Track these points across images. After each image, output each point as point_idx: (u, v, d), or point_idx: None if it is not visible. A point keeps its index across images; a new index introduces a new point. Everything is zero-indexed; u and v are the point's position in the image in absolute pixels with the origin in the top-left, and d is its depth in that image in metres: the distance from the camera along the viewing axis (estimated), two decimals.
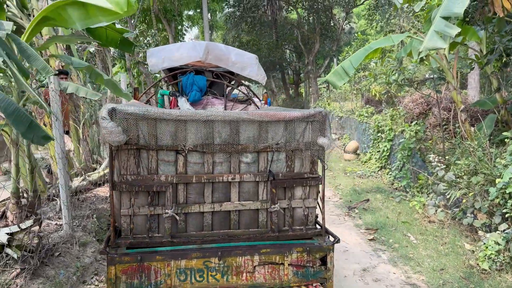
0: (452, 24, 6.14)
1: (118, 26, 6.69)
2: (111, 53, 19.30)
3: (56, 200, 6.50)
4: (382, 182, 9.45)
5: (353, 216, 7.29)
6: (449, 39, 7.04)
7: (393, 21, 22.92)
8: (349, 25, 39.43)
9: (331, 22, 26.83)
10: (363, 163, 11.62)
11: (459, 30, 5.97)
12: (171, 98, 5.59)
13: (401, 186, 8.68)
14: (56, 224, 5.63)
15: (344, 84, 8.70)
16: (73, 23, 5.11)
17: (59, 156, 5.19)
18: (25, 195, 6.60)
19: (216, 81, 5.27)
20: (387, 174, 9.88)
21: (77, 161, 9.17)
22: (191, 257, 3.19)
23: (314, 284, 3.43)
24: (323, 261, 3.41)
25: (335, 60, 28.65)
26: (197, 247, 3.29)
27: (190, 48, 5.20)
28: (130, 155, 3.15)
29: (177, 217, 3.26)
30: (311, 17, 26.75)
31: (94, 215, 6.12)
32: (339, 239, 3.49)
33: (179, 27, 22.30)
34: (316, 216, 3.75)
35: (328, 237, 3.54)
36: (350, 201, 8.13)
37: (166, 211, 3.22)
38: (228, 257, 3.25)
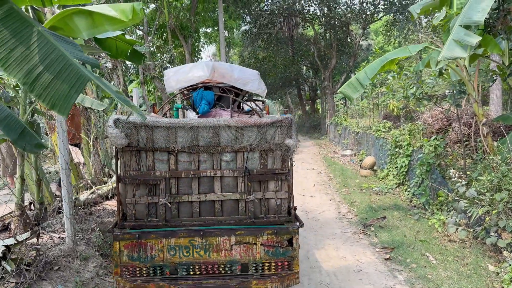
0: (472, 33, 5.87)
1: (128, 37, 6.61)
2: (128, 68, 19.49)
3: (62, 213, 6.37)
4: (400, 199, 9.08)
5: (368, 234, 6.95)
6: (469, 49, 6.75)
7: (411, 37, 22.67)
8: (367, 41, 39.25)
9: (348, 38, 26.67)
10: (380, 179, 11.25)
11: (479, 38, 5.70)
12: (184, 111, 6.14)
13: (419, 203, 8.31)
14: (59, 237, 5.47)
15: (358, 96, 8.46)
16: (79, 33, 5.03)
17: (62, 167, 5.06)
18: (32, 207, 6.51)
19: (223, 95, 6.00)
20: (405, 190, 9.51)
21: (87, 174, 9.09)
22: (179, 236, 3.95)
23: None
24: (290, 242, 4.02)
25: (352, 76, 28.49)
26: (184, 229, 4.02)
27: (199, 68, 5.96)
28: (132, 155, 3.99)
29: (169, 205, 4.04)
30: (328, 33, 26.65)
31: (99, 229, 5.95)
32: (303, 224, 4.13)
33: (196, 44, 22.45)
34: (295, 208, 4.45)
35: (298, 223, 4.14)
36: (366, 218, 7.79)
37: (160, 199, 4.01)
38: (209, 237, 3.97)
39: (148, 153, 4.01)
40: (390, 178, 10.68)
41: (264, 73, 29.56)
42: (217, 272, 4.01)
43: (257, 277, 4.03)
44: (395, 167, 10.63)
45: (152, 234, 3.93)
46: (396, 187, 10.07)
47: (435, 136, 8.71)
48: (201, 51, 22.37)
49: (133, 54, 6.93)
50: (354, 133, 16.79)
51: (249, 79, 6.29)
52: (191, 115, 5.98)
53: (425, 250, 5.97)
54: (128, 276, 3.94)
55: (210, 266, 4.01)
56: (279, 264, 4.03)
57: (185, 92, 6.59)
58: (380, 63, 7.33)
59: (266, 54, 29.45)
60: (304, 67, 33.39)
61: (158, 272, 3.98)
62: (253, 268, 4.03)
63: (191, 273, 4.00)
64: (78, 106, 8.78)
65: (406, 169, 9.91)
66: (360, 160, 14.66)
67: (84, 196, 7.34)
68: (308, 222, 7.79)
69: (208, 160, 4.07)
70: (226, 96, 6.17)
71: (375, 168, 12.31)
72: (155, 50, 20.21)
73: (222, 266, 4.01)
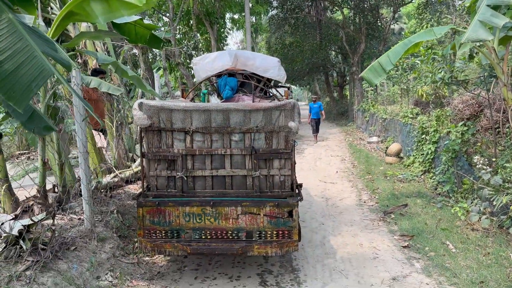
0: (499, 14, 5.58)
1: (146, 21, 6.64)
2: (155, 55, 19.68)
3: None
4: (425, 187, 8.85)
5: (388, 221, 6.82)
6: (498, 31, 6.43)
7: (444, 20, 21.82)
8: (398, 24, 38.11)
9: (378, 22, 25.95)
10: (406, 166, 10.99)
11: (506, 20, 5.41)
12: (208, 96, 6.88)
13: (444, 191, 8.07)
14: (79, 218, 5.61)
15: (380, 81, 8.24)
16: (96, 18, 5.09)
17: (80, 151, 5.17)
18: (56, 190, 6.71)
19: (245, 81, 6.63)
20: (431, 178, 9.26)
21: (112, 158, 9.29)
22: (193, 205, 4.62)
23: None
24: (291, 214, 4.59)
25: None
26: (197, 199, 4.67)
27: (222, 57, 6.70)
28: (154, 135, 4.64)
29: (185, 178, 4.68)
30: (357, 17, 26.01)
31: (118, 212, 6.08)
32: (302, 198, 4.78)
33: (222, 30, 22.38)
34: (300, 185, 5.59)
35: (299, 197, 4.73)
36: (387, 205, 7.64)
37: (178, 173, 4.67)
38: (218, 207, 4.60)
39: (168, 132, 4.64)
40: (416, 166, 10.41)
41: (290, 59, 29.27)
42: (225, 237, 4.62)
43: (259, 242, 4.60)
44: (421, 154, 10.35)
45: (170, 203, 4.64)
46: (422, 174, 9.82)
47: (463, 122, 8.40)
48: (227, 37, 22.29)
49: (152, 39, 6.97)
50: (382, 119, 16.43)
51: (270, 66, 6.87)
52: (213, 100, 6.83)
53: (445, 239, 5.81)
54: (149, 237, 4.65)
55: (219, 232, 4.62)
56: (280, 232, 4.61)
57: (211, 78, 7.17)
58: (404, 46, 7.09)
59: (293, 39, 29.09)
60: (333, 53, 32.82)
61: (175, 235, 4.65)
62: (257, 235, 4.61)
63: (203, 237, 4.63)
64: (102, 92, 8.95)
65: (432, 156, 9.63)
66: (386, 147, 14.37)
67: (106, 179, 7.51)
68: (327, 209, 7.71)
69: (219, 140, 4.63)
70: (248, 82, 6.77)
71: (401, 155, 12.03)
72: (182, 36, 20.30)
73: (230, 232, 4.62)
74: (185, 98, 7.01)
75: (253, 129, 4.57)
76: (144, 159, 4.82)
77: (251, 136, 4.60)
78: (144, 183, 4.96)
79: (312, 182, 9.93)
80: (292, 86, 52.68)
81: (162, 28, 20.50)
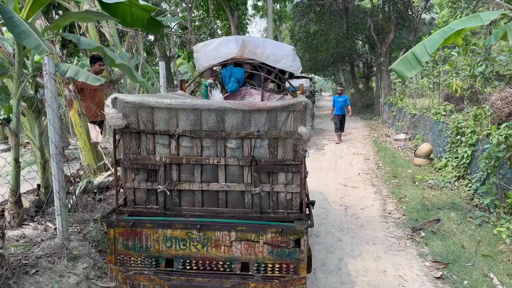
0: None
1: (141, 2, 5.76)
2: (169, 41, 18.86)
3: (71, 198, 5.79)
4: (459, 196, 7.77)
5: (417, 240, 5.82)
6: None
7: (481, 9, 20.23)
8: (429, 14, 36.26)
9: (409, 10, 24.44)
10: (437, 170, 9.89)
11: None
12: (210, 89, 5.98)
13: (483, 203, 6.99)
14: (55, 228, 4.86)
15: (413, 75, 7.17)
16: None
17: (52, 153, 4.37)
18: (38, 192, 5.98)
19: (254, 73, 5.81)
20: (466, 186, 8.16)
21: (111, 154, 8.55)
22: (175, 228, 3.72)
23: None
24: (298, 243, 3.62)
25: None
26: (181, 219, 3.78)
27: (228, 44, 5.82)
28: (132, 138, 3.80)
29: (168, 192, 3.81)
30: (387, 5, 24.56)
31: (104, 219, 5.29)
32: (312, 224, 3.77)
33: (243, 17, 21.38)
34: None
35: (308, 221, 3.73)
36: (416, 219, 6.62)
37: (159, 186, 3.80)
38: (207, 231, 3.70)
39: (149, 135, 3.80)
40: (449, 170, 9.30)
41: (315, 48, 28.09)
42: (215, 268, 3.73)
43: (257, 278, 3.68)
44: (455, 157, 9.23)
45: (147, 223, 3.76)
46: (455, 181, 8.72)
47: (507, 123, 7.27)
48: (247, 24, 21.28)
49: (150, 22, 6.08)
50: (410, 115, 15.23)
51: (283, 56, 5.96)
52: (217, 94, 5.87)
53: (488, 269, 4.80)
54: (122, 264, 3.81)
55: (208, 262, 3.75)
56: (284, 266, 3.68)
57: (214, 68, 6.42)
58: (443, 34, 6.02)
59: (318, 28, 27.82)
60: (359, 42, 31.39)
61: (154, 263, 3.77)
62: (255, 268, 3.69)
63: (188, 267, 3.75)
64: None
65: (468, 161, 8.51)
66: (415, 146, 13.22)
67: (99, 179, 6.75)
68: (346, 220, 6.76)
69: (211, 146, 3.79)
70: (257, 73, 5.94)
71: (431, 156, 10.91)
72: (200, 23, 19.41)
73: (221, 262, 3.73)
74: (184, 91, 6.15)
75: (253, 134, 3.70)
76: (119, 167, 3.97)
77: (251, 143, 3.75)
78: (119, 197, 4.10)
79: (331, 185, 8.97)
80: (315, 76, 51.36)
81: (180, 14, 19.68)
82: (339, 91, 16.11)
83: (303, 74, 29.67)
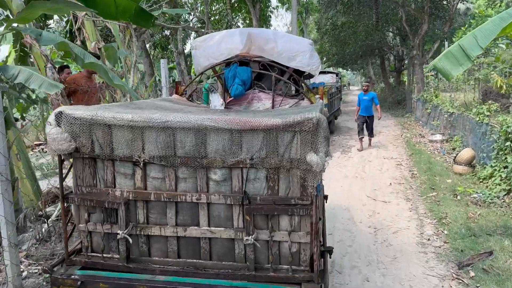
0: None
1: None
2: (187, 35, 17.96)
3: (45, 221, 4.93)
4: None
5: (466, 283, 4.64)
6: None
7: None
8: (464, 4, 34.17)
9: (443, 0, 22.71)
10: (481, 180, 8.57)
11: None
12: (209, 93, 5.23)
13: None
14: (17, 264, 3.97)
15: (460, 73, 5.96)
16: None
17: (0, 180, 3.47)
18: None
19: (263, 73, 4.91)
20: None
21: None
22: None
23: None
24: None
25: (446, 43, 24.41)
26: (147, 279, 2.87)
27: (231, 39, 4.90)
28: (85, 165, 2.97)
29: (130, 240, 2.91)
30: None
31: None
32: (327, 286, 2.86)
33: (265, 9, 20.29)
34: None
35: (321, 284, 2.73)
36: (462, 250, 5.43)
37: (119, 231, 2.90)
38: None
39: (106, 162, 2.94)
40: (496, 181, 7.98)
41: (342, 41, 26.71)
42: None
43: None
44: (504, 167, 7.91)
45: (101, 283, 2.87)
46: (505, 195, 7.42)
47: None
48: (270, 17, 20.16)
49: (139, 15, 5.14)
50: (447, 113, 13.79)
51: (298, 52, 4.95)
52: (216, 100, 5.15)
53: None
54: None
55: None
56: None
57: (216, 68, 5.59)
58: (500, 23, 4.79)
59: (345, 19, 26.39)
60: (390, 34, 29.73)
61: None
62: None
63: None
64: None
65: None
66: (453, 149, 11.85)
67: None
68: (375, 248, 5.64)
69: (189, 178, 2.89)
70: (267, 74, 4.99)
71: (473, 163, 9.57)
72: (219, 17, 18.44)
73: None
74: (180, 95, 5.20)
75: (245, 163, 2.76)
76: (69, 203, 3.08)
77: (243, 174, 2.81)
78: (74, 240, 3.21)
79: (357, 199, 7.83)
80: (343, 70, 49.66)
81: (200, 8, 18.77)
82: (365, 87, 13.53)
83: (329, 69, 28.38)
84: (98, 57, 6.84)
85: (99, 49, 7.33)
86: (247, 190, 2.80)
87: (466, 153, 9.49)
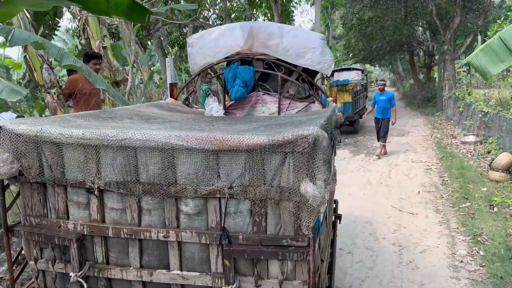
0: None
1: None
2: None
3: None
4: None
5: None
6: None
7: None
8: None
9: None
10: None
11: None
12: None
13: None
14: None
15: (500, 71, 5.20)
16: None
17: None
18: None
19: (268, 72, 4.43)
20: None
21: None
22: None
23: None
24: None
25: (479, 38, 23.11)
26: None
27: (230, 35, 4.37)
28: (34, 191, 2.47)
29: (84, 284, 2.38)
30: None
31: None
32: None
33: (288, 4, 19.61)
34: None
35: None
36: (501, 277, 4.69)
37: (71, 273, 2.40)
38: None
39: (57, 189, 2.43)
40: None
41: (369, 36, 25.73)
42: None
43: None
44: None
45: None
46: None
47: None
48: (293, 12, 19.47)
49: (133, 9, 4.64)
50: (481, 113, 12.81)
51: (307, 48, 4.35)
52: (212, 104, 4.68)
53: None
54: None
55: None
56: None
57: (215, 67, 5.08)
58: None
59: (372, 14, 25.37)
60: (419, 28, 28.49)
61: None
62: None
63: None
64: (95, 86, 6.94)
65: None
66: (488, 152, 10.91)
67: None
68: (400, 271, 4.96)
69: (155, 210, 2.35)
70: (273, 73, 4.45)
71: (511, 169, 8.68)
72: (238, 14, 17.87)
73: None
74: (175, 99, 4.68)
75: (223, 192, 2.19)
76: (14, 237, 2.60)
77: (221, 206, 2.25)
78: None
79: (381, 210, 7.12)
80: (370, 66, 48.27)
81: (220, 5, 18.27)
82: (380, 86, 11.80)
83: (355, 66, 27.44)
84: (99, 57, 6.40)
85: (104, 47, 6.89)
86: (226, 226, 2.24)
87: (504, 158, 8.60)
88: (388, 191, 8.31)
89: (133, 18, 4.74)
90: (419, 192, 8.14)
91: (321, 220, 2.33)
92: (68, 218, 2.45)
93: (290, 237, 2.17)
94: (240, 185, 2.16)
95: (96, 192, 2.33)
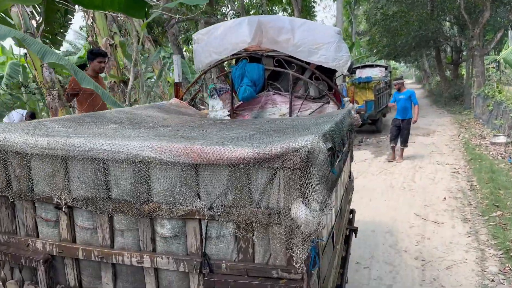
0: None
1: None
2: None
3: None
4: None
5: None
6: None
7: None
8: None
9: None
10: None
11: None
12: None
13: None
14: None
15: None
16: None
17: None
18: None
19: (279, 71, 4.19)
20: None
21: None
22: None
23: None
24: None
25: (510, 33, 22.05)
26: None
27: (237, 30, 4.06)
28: (2, 204, 2.24)
29: None
30: None
31: None
32: None
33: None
34: None
35: None
36: None
37: None
38: None
39: (25, 203, 2.19)
40: None
41: (394, 31, 24.92)
42: None
43: None
44: None
45: None
46: None
47: None
48: (313, 7, 18.94)
49: (130, 3, 4.32)
50: None
51: (320, 43, 4.00)
52: (216, 106, 4.35)
53: None
54: None
55: None
56: None
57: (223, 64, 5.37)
58: None
59: (397, 9, 24.56)
60: (447, 23, 27.46)
61: None
62: None
63: None
64: (110, 82, 6.67)
65: None
66: None
67: None
68: None
69: (129, 230, 2.04)
70: (284, 72, 4.21)
71: None
72: (256, 10, 17.48)
73: None
74: (180, 99, 4.40)
75: (202, 213, 1.88)
76: None
77: (201, 228, 1.94)
78: None
79: (404, 218, 6.63)
80: (394, 63, 47.03)
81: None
82: (397, 85, 10.67)
83: (380, 62, 26.68)
84: (104, 55, 6.15)
85: (111, 45, 6.63)
86: (208, 252, 1.93)
87: None
88: (412, 196, 7.79)
89: (130, 13, 4.46)
90: (445, 198, 7.59)
91: (319, 249, 1.96)
92: (38, 236, 2.21)
93: (281, 267, 1.82)
94: (222, 205, 1.84)
95: (64, 209, 2.07)
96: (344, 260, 3.81)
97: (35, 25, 6.36)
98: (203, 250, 1.92)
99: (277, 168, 1.74)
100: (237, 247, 1.91)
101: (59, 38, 7.82)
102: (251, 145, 1.83)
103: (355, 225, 4.63)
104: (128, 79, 6.57)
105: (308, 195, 1.69)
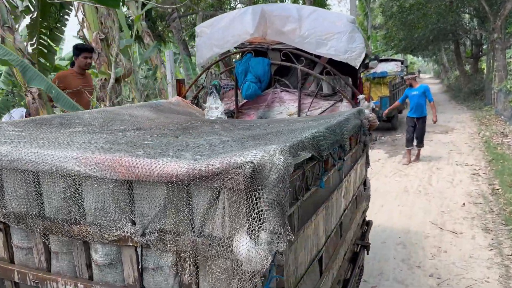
0: None
1: None
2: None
3: None
4: None
5: None
6: None
7: None
8: None
9: None
10: None
11: None
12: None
13: None
14: None
15: None
16: None
17: None
18: None
19: (287, 65, 3.80)
20: None
21: None
22: None
23: None
24: None
25: None
26: None
27: (240, 20, 3.74)
28: None
29: None
30: None
31: None
32: None
33: None
34: None
35: None
36: None
37: None
38: None
39: None
40: None
41: (410, 24, 24.11)
42: None
43: None
44: None
45: None
46: None
47: None
48: (326, 0, 18.28)
49: None
50: None
51: (330, 33, 3.55)
52: (213, 105, 3.86)
53: None
54: None
55: None
56: None
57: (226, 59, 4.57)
58: None
59: (414, 1, 23.71)
60: (466, 16, 26.46)
61: None
62: None
63: None
64: (100, 80, 6.24)
65: None
66: None
67: None
68: None
69: (63, 253, 1.77)
70: (292, 66, 3.86)
71: None
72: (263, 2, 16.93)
73: None
74: (183, 97, 4.09)
75: (134, 239, 1.56)
76: None
77: (138, 256, 1.62)
78: None
79: (418, 226, 6.07)
80: (412, 57, 45.90)
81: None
82: (409, 80, 9.80)
83: (396, 56, 25.87)
84: (91, 50, 5.74)
85: (102, 40, 6.21)
86: (146, 285, 1.63)
87: None
88: (427, 201, 7.21)
89: (103, 2, 4.01)
90: (464, 204, 6.99)
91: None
92: None
93: None
94: (156, 231, 1.52)
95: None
96: (347, 283, 3.29)
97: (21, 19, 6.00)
98: (141, 283, 1.62)
99: (217, 189, 1.37)
100: (178, 282, 1.58)
101: (57, 33, 7.46)
102: (192, 158, 1.48)
103: (368, 240, 4.12)
104: (121, 76, 6.15)
105: (254, 224, 1.30)
